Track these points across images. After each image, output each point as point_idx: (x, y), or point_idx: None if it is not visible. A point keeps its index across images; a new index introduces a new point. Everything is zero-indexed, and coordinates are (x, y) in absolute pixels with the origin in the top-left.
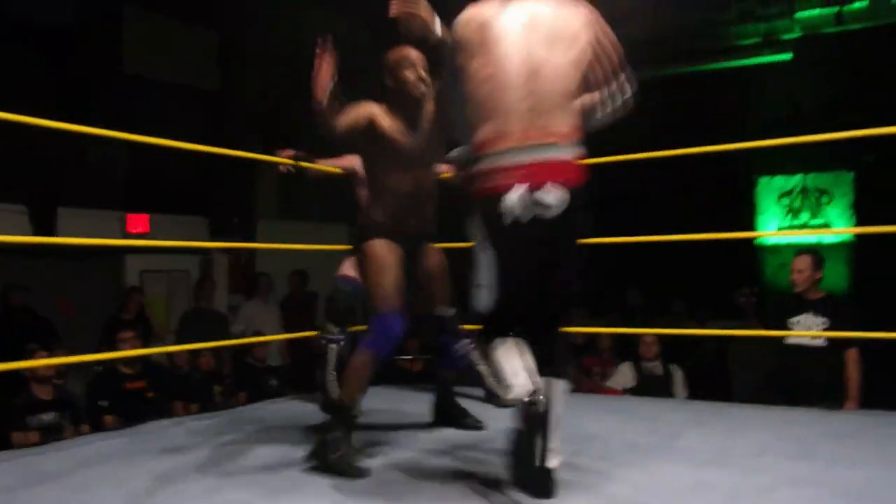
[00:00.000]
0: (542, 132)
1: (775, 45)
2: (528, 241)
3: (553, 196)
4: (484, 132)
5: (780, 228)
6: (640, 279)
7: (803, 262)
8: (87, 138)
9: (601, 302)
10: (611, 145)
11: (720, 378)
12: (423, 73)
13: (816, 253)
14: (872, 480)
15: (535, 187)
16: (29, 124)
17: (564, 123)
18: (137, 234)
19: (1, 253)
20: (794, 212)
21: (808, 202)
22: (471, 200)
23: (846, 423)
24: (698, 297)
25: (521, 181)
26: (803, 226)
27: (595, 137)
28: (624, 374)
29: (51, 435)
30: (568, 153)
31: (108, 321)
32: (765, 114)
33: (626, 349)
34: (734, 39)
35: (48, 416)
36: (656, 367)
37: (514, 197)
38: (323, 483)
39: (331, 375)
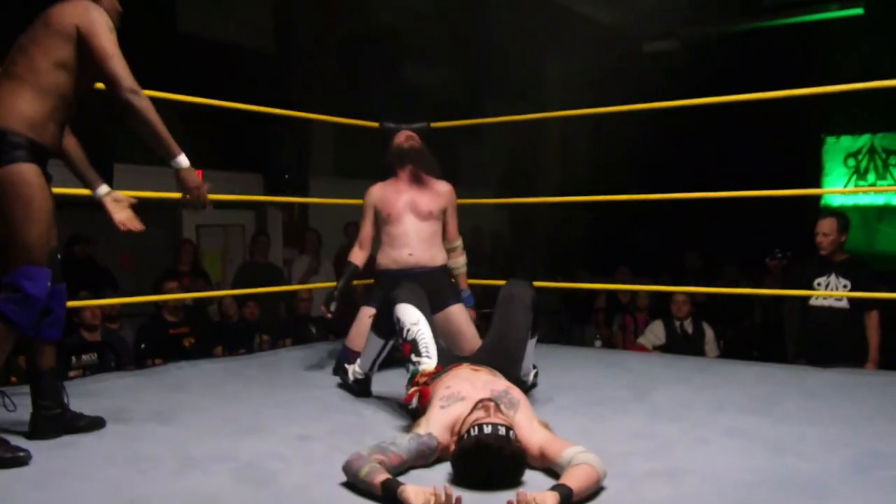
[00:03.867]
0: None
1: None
2: None
3: None
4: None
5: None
6: (701, 243)
7: (829, 225)
8: None
9: (657, 264)
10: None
11: (775, 342)
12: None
13: (842, 216)
14: (806, 436)
15: None
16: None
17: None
18: None
19: (65, 206)
20: (859, 173)
21: (875, 163)
22: None
23: (823, 383)
24: (759, 261)
25: None
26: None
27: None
28: (655, 332)
29: (92, 373)
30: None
31: (163, 272)
32: (833, 72)
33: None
34: None
35: (90, 357)
36: (688, 325)
37: None
38: (287, 426)
39: None
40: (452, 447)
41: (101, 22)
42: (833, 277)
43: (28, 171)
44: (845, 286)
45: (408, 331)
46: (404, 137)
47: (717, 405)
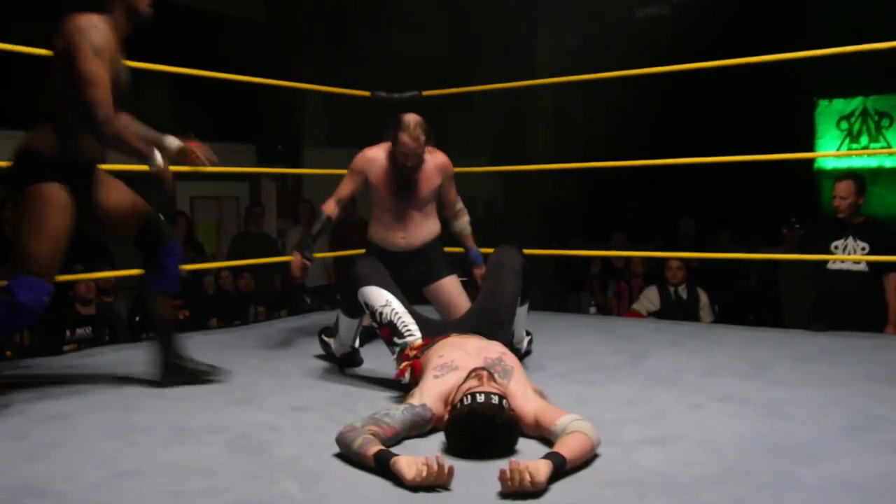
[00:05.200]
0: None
1: None
2: None
3: None
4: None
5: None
6: (697, 209)
7: (846, 188)
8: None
9: (651, 230)
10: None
11: (770, 306)
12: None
13: (859, 177)
14: (799, 400)
15: None
16: None
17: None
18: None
19: None
20: (852, 136)
21: (868, 126)
22: None
23: (817, 346)
24: (753, 226)
25: None
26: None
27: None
28: (649, 298)
29: (87, 347)
30: None
31: None
32: (825, 34)
33: (658, 275)
34: None
35: (84, 331)
36: (682, 291)
37: None
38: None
39: None
40: (447, 417)
41: (86, 44)
42: (851, 240)
43: (50, 191)
44: (863, 249)
45: (380, 314)
46: (410, 150)
47: (710, 370)
